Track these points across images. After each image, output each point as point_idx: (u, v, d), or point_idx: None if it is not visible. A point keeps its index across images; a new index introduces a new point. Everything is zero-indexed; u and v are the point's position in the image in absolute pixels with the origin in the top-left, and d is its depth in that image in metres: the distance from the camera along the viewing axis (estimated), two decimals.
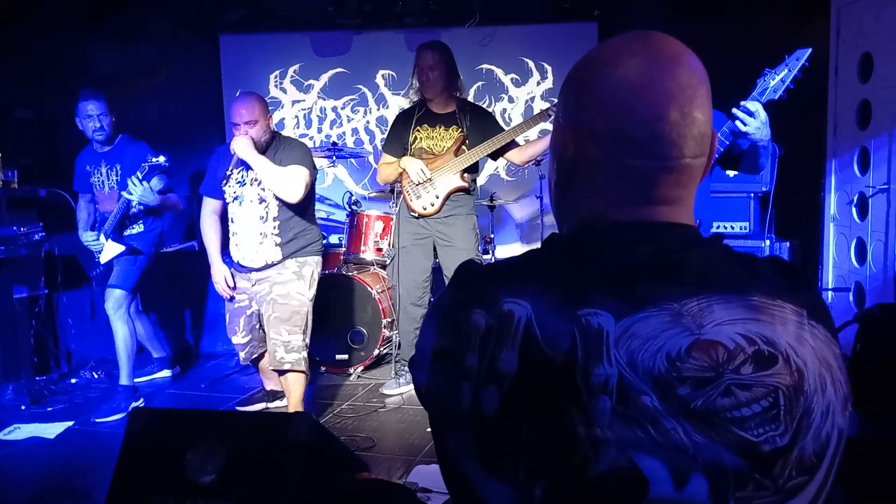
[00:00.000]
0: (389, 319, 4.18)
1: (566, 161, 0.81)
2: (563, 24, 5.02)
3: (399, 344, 3.96)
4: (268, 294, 3.24)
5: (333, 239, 4.87)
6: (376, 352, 4.22)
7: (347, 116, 5.40)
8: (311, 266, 3.32)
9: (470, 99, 5.10)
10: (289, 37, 5.32)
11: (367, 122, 5.39)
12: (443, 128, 3.71)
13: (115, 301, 3.73)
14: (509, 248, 5.20)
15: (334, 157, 4.70)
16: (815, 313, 0.74)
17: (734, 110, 2.22)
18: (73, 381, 4.33)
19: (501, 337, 0.70)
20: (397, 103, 5.22)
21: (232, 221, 3.30)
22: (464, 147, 3.68)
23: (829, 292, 4.30)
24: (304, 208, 3.30)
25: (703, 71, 0.77)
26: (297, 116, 5.45)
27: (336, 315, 4.18)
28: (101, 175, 3.88)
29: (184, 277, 4.77)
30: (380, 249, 4.26)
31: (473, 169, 3.78)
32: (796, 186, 4.34)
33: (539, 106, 5.16)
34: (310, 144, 5.23)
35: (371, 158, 5.25)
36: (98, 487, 2.77)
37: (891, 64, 3.73)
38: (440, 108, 3.73)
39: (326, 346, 4.17)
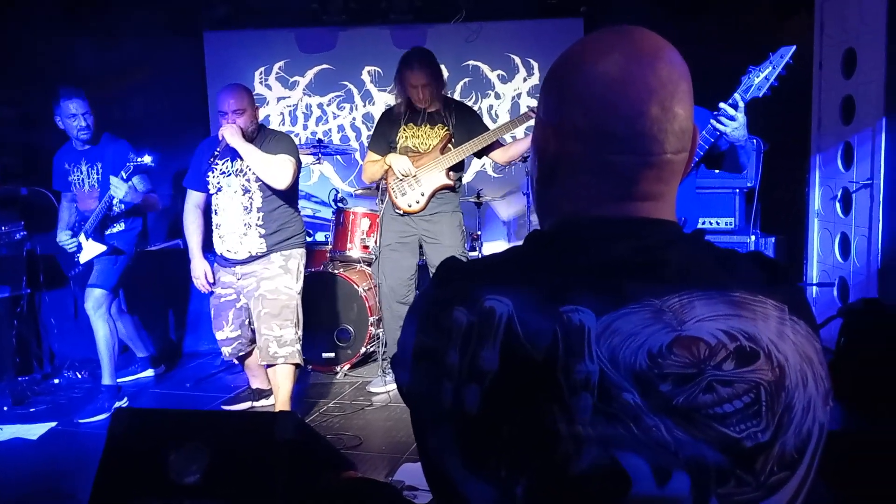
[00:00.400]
0: (376, 317, 4.17)
1: (547, 157, 0.80)
2: (550, 20, 5.03)
3: (385, 342, 3.95)
4: (255, 290, 3.23)
5: (319, 236, 4.85)
6: (363, 350, 4.21)
7: (333, 113, 5.38)
8: (297, 259, 3.32)
9: (457, 95, 5.10)
10: (274, 33, 5.30)
11: (353, 118, 5.37)
12: (428, 126, 3.70)
13: (94, 301, 3.70)
14: (496, 246, 5.20)
15: (320, 154, 4.68)
16: (797, 308, 0.74)
17: (720, 105, 2.23)
18: (56, 381, 4.29)
19: (483, 334, 0.69)
20: (383, 99, 5.21)
21: (215, 213, 3.28)
22: (449, 145, 3.68)
23: (814, 287, 4.34)
24: (287, 200, 3.30)
25: (683, 66, 0.76)
26: (282, 113, 5.42)
27: (322, 313, 4.17)
28: (81, 173, 3.83)
29: (168, 276, 4.73)
30: (366, 247, 4.25)
31: (459, 167, 3.78)
32: (781, 182, 4.38)
33: (525, 102, 5.17)
34: (296, 141, 5.22)
35: (357, 155, 5.23)
36: (82, 488, 2.75)
37: (874, 59, 3.76)
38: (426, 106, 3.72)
39: (313, 344, 4.14)
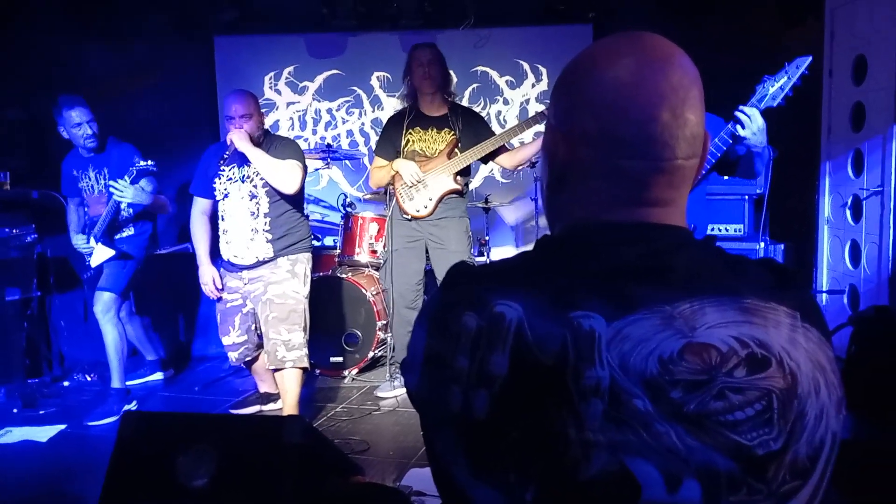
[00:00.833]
0: (384, 322, 4.17)
1: (558, 162, 0.80)
2: (558, 26, 5.03)
3: (393, 347, 3.95)
4: (263, 294, 3.24)
5: (328, 241, 4.86)
6: (371, 354, 4.21)
7: (342, 118, 5.40)
8: (304, 263, 3.33)
9: (465, 101, 5.11)
10: (283, 38, 5.32)
11: (362, 123, 5.39)
12: (435, 130, 3.71)
13: (103, 304, 3.72)
14: (504, 251, 5.20)
15: (329, 159, 4.69)
16: (809, 315, 0.73)
17: (736, 112, 2.22)
18: (66, 384, 4.31)
19: (492, 339, 0.69)
20: (392, 105, 5.22)
21: (222, 219, 3.29)
22: (456, 150, 3.68)
23: (824, 295, 4.31)
24: (294, 205, 3.32)
25: (695, 71, 0.76)
26: (291, 118, 5.44)
27: (330, 317, 4.17)
28: (90, 179, 3.85)
29: (177, 280, 4.75)
30: (374, 251, 4.26)
31: (466, 172, 3.79)
32: (790, 189, 4.36)
33: (534, 108, 5.17)
34: (304, 146, 5.23)
35: (366, 160, 5.25)
36: (90, 491, 2.73)
37: (885, 66, 3.74)
38: (432, 110, 3.73)
39: (321, 348, 4.15)
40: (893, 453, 2.05)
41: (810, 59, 2.19)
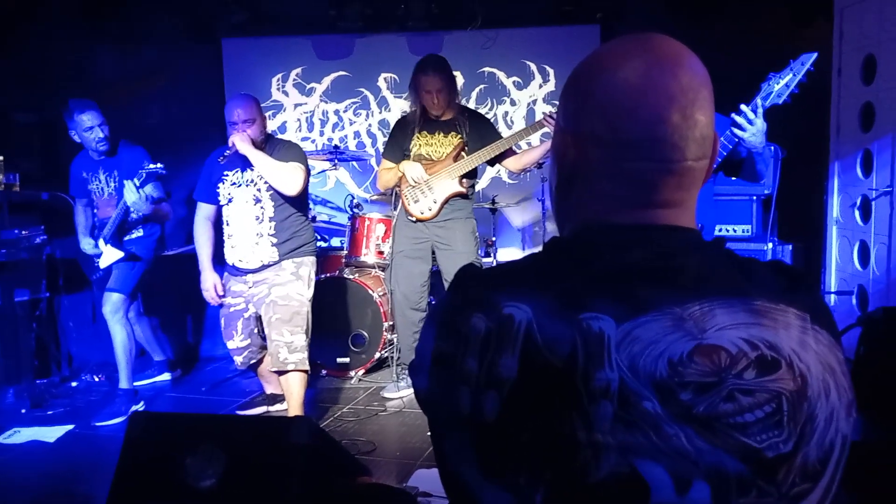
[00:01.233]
0: (390, 323, 4.17)
1: (567, 164, 0.80)
2: (566, 26, 5.03)
3: (399, 348, 3.95)
4: (266, 296, 3.24)
5: (335, 242, 4.86)
6: (377, 355, 4.21)
7: (349, 119, 5.41)
8: (308, 266, 3.33)
9: (472, 102, 5.11)
10: (291, 40, 5.34)
11: (370, 125, 5.40)
12: (442, 134, 3.71)
13: (112, 305, 3.73)
14: (511, 252, 5.20)
15: (336, 161, 4.70)
16: (818, 318, 0.73)
17: (733, 114, 2.21)
18: (74, 384, 4.32)
19: (502, 341, 0.69)
20: (399, 106, 5.22)
21: (227, 224, 3.29)
22: (463, 153, 3.69)
23: (832, 295, 4.29)
24: (298, 208, 3.32)
25: (704, 72, 0.76)
26: (299, 119, 5.45)
27: (337, 318, 4.18)
28: (100, 182, 3.87)
29: (185, 281, 4.74)
30: (381, 252, 4.26)
31: (472, 174, 3.79)
32: (799, 189, 4.33)
33: (541, 108, 5.16)
34: (311, 148, 5.25)
35: (373, 161, 5.25)
36: (98, 491, 2.76)
37: (894, 66, 3.72)
38: (440, 114, 3.73)
39: (327, 349, 4.16)
40: None
41: (816, 55, 2.17)
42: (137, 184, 3.52)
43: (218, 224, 3.39)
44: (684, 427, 0.65)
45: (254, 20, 5.14)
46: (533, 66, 5.18)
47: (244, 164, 3.21)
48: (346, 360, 4.21)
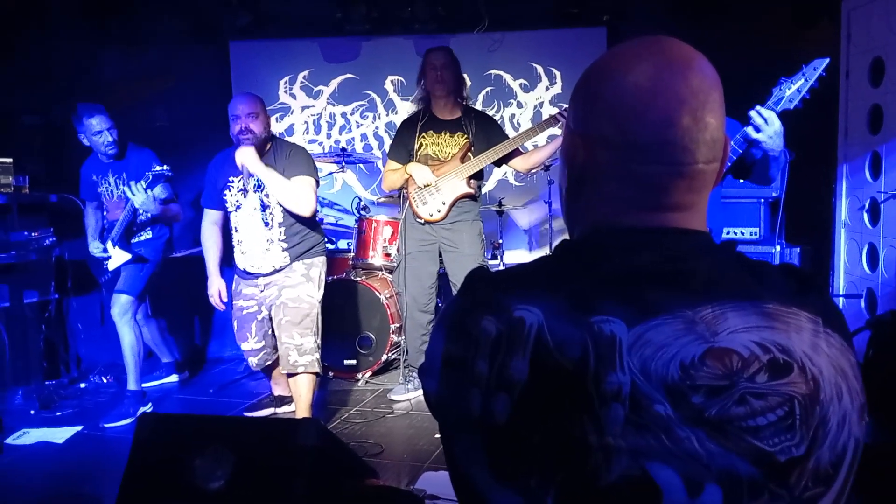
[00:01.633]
0: (398, 325, 4.17)
1: (576, 167, 0.80)
2: (572, 29, 5.02)
3: (407, 350, 3.96)
4: (277, 298, 3.24)
5: (342, 244, 4.87)
6: (384, 357, 4.21)
7: (356, 122, 5.42)
8: (318, 267, 3.33)
9: (479, 104, 5.11)
10: (298, 43, 5.35)
11: (376, 127, 5.40)
12: (448, 134, 3.71)
13: (121, 307, 3.75)
14: (518, 254, 5.19)
15: (343, 163, 4.71)
16: (830, 321, 0.73)
17: (751, 112, 2.19)
18: (83, 385, 4.34)
19: (512, 344, 0.69)
20: (406, 108, 5.22)
21: (236, 230, 3.29)
22: (470, 154, 3.68)
23: (841, 298, 4.27)
24: None
25: (715, 75, 0.76)
26: (306, 122, 5.47)
27: (344, 320, 4.18)
28: (110, 184, 3.89)
29: (193, 283, 4.75)
30: (388, 255, 4.26)
31: (479, 175, 3.79)
32: (807, 192, 4.31)
33: (548, 111, 5.16)
34: (319, 150, 5.26)
35: (380, 164, 5.25)
36: (107, 491, 2.77)
37: None
38: (446, 114, 3.73)
39: (335, 351, 4.16)
40: None
41: (828, 60, 2.16)
42: (144, 186, 3.54)
43: (224, 228, 3.39)
44: (696, 430, 0.65)
45: (261, 23, 5.16)
46: (540, 69, 5.18)
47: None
48: (354, 362, 4.22)
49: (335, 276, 4.27)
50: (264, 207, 3.22)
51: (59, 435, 3.49)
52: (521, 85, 5.21)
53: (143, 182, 3.54)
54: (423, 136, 3.73)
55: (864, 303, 4.10)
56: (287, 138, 4.92)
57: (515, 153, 3.74)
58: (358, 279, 4.25)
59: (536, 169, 3.95)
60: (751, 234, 4.26)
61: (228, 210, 3.28)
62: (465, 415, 0.71)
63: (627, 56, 0.76)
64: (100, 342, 4.52)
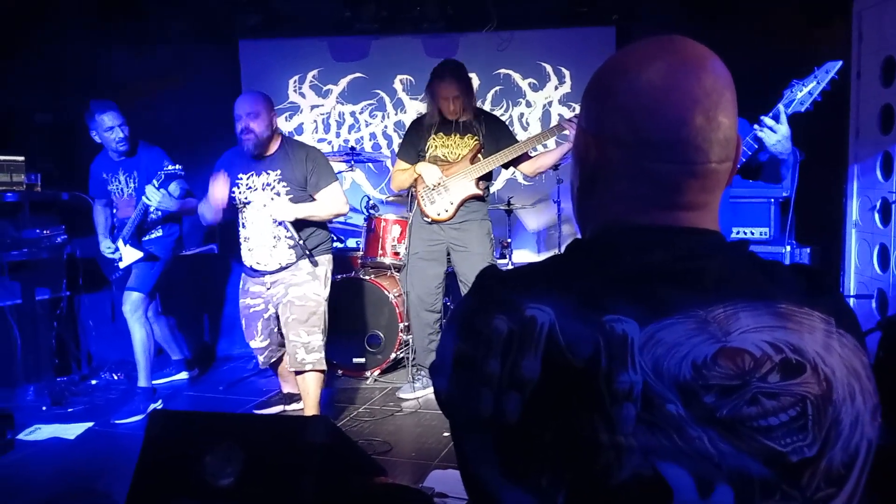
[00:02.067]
0: (406, 323, 4.18)
1: (588, 166, 0.80)
2: (581, 28, 5.01)
3: (414, 349, 3.96)
4: (284, 296, 3.26)
5: (351, 243, 4.88)
6: (393, 355, 4.22)
7: (365, 121, 5.42)
8: (325, 265, 3.34)
9: (488, 104, 5.11)
10: (307, 42, 5.36)
11: (385, 126, 5.41)
12: (458, 136, 3.71)
13: (132, 304, 3.77)
14: (526, 254, 5.19)
15: (352, 162, 4.72)
16: (843, 321, 0.73)
17: (763, 117, 2.19)
18: (94, 382, 4.37)
19: (524, 343, 0.69)
20: (415, 108, 5.23)
21: (243, 227, 3.30)
22: (479, 155, 3.69)
23: (852, 299, 4.25)
24: None
25: (727, 75, 0.76)
26: (315, 121, 5.48)
27: (353, 318, 4.19)
28: (120, 182, 3.91)
29: (203, 280, 4.80)
30: (397, 253, 4.27)
31: (488, 176, 3.79)
32: (817, 191, 4.28)
33: (557, 110, 5.16)
34: (328, 149, 5.27)
35: (388, 163, 5.26)
36: (117, 487, 2.79)
37: None
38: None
39: (343, 349, 4.18)
40: None
41: (840, 63, 2.15)
42: (157, 185, 3.56)
43: (233, 225, 3.40)
44: (708, 430, 0.65)
45: (270, 22, 5.17)
46: (549, 68, 5.17)
47: (258, 167, 3.21)
48: (362, 360, 4.22)
49: (344, 275, 4.28)
50: None
51: (71, 431, 3.51)
52: (530, 84, 5.21)
53: (155, 181, 3.56)
54: (433, 138, 3.73)
55: (874, 303, 4.08)
56: (296, 137, 4.94)
57: (523, 156, 3.74)
58: (367, 278, 4.26)
59: (543, 171, 3.95)
60: (760, 234, 4.24)
61: (237, 207, 3.29)
62: (476, 414, 0.71)
63: (641, 55, 0.76)
64: (111, 339, 4.54)
